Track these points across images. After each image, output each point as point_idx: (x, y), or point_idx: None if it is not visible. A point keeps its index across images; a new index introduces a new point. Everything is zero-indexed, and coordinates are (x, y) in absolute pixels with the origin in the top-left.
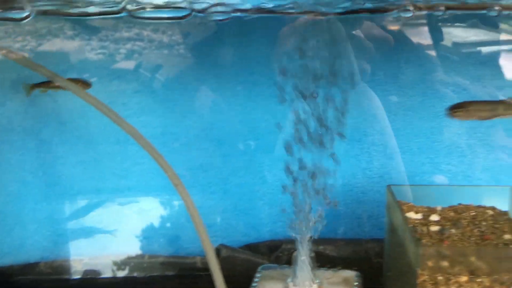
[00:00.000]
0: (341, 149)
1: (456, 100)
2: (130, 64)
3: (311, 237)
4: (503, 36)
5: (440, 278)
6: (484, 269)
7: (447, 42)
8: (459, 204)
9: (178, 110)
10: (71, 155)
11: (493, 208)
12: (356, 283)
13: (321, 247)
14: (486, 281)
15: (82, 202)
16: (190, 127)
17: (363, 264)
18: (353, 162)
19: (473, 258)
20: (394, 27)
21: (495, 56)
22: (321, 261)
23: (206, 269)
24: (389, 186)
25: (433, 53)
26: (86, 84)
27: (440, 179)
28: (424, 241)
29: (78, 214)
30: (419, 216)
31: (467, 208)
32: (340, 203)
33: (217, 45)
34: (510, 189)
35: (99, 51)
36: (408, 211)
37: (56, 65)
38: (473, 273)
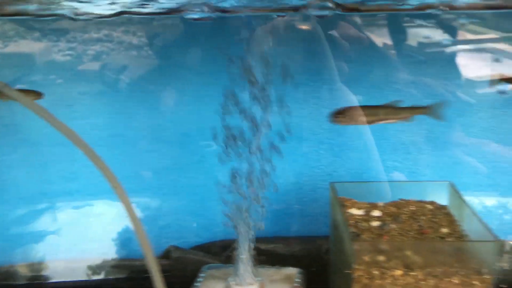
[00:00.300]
0: (289, 147)
1: (396, 98)
2: (74, 66)
3: (253, 235)
4: (443, 36)
5: (375, 272)
6: (419, 263)
7: (387, 42)
8: (400, 199)
9: (127, 112)
10: (15, 158)
11: (432, 203)
12: (297, 280)
13: (272, 246)
14: (419, 274)
15: (29, 207)
16: (139, 128)
17: (314, 261)
18: (302, 161)
19: (409, 252)
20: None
21: (435, 55)
22: (273, 259)
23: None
24: (332, 183)
25: (376, 52)
26: (37, 94)
27: (385, 175)
28: (364, 236)
29: (25, 218)
30: (361, 212)
31: (408, 203)
32: (291, 201)
33: (165, 46)
34: (448, 184)
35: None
36: (351, 207)
37: None
38: (408, 267)
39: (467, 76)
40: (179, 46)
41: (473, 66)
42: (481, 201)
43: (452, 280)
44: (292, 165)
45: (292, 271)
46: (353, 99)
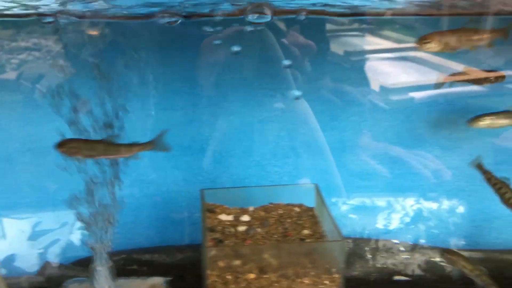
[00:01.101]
0: (171, 155)
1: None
2: None
3: (109, 247)
4: (368, 44)
5: (229, 277)
6: (274, 265)
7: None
8: (270, 203)
9: None
10: None
11: (300, 206)
12: None
13: (155, 256)
14: (272, 276)
15: None
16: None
17: (194, 268)
18: (185, 168)
19: (266, 255)
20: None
21: (360, 63)
22: (154, 269)
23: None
24: (202, 190)
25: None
26: None
27: (267, 180)
28: (227, 241)
29: None
30: (230, 217)
31: (277, 206)
32: (175, 209)
33: None
34: (315, 187)
35: None
36: (221, 213)
37: None
38: (262, 270)
39: (386, 83)
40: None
41: (393, 74)
42: (371, 202)
43: (303, 281)
44: (174, 172)
45: (158, 280)
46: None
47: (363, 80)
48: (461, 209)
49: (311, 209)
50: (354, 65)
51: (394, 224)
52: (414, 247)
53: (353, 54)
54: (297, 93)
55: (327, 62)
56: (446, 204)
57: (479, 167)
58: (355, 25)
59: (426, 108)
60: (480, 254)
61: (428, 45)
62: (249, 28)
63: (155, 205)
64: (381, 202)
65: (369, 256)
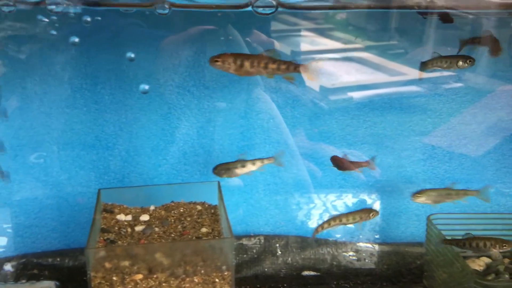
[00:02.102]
0: (74, 155)
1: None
2: None
3: None
4: (319, 43)
5: (115, 278)
6: (165, 265)
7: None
8: (172, 201)
9: None
10: None
11: (203, 204)
12: None
13: (58, 259)
14: (161, 276)
15: None
16: None
17: None
18: (89, 168)
19: (158, 255)
20: None
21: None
22: (57, 273)
23: None
24: (100, 189)
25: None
26: None
27: (177, 178)
28: (120, 242)
29: None
30: (129, 217)
31: (179, 205)
32: (82, 211)
33: None
34: (217, 184)
35: None
36: (119, 213)
37: None
38: (151, 270)
39: (327, 83)
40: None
41: (336, 74)
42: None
43: (193, 279)
44: (79, 173)
45: (48, 284)
46: None
47: (306, 80)
48: (376, 205)
49: (214, 207)
50: None
51: (313, 220)
52: (325, 242)
53: (299, 54)
54: (146, 87)
55: None
56: (363, 200)
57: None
58: (306, 25)
59: (363, 108)
60: (389, 247)
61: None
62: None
63: (59, 207)
64: (302, 199)
65: (279, 252)
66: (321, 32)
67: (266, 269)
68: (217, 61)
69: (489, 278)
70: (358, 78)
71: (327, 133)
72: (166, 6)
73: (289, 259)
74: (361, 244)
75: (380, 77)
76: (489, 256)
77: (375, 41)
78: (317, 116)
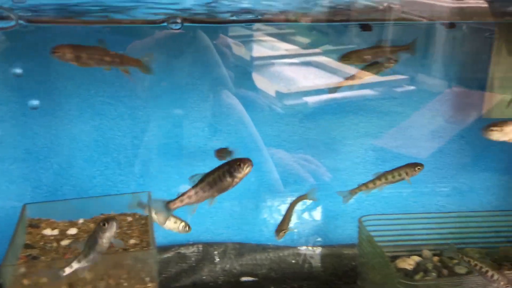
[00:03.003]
0: (4, 170)
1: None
2: None
3: None
4: (273, 48)
5: None
6: (86, 279)
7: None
8: (101, 214)
9: None
10: None
11: (134, 215)
12: None
13: None
14: None
15: None
16: None
17: None
18: (20, 182)
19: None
20: None
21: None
22: None
23: None
24: (24, 204)
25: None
26: None
27: (113, 190)
28: (44, 257)
29: None
30: (55, 232)
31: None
32: (8, 227)
33: None
34: (148, 194)
35: None
36: (46, 228)
37: None
38: (72, 285)
39: (285, 88)
40: None
41: (293, 79)
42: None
43: None
44: (10, 187)
45: None
46: None
47: (263, 85)
48: (316, 208)
49: (145, 217)
50: (258, 70)
51: (256, 225)
52: (265, 247)
53: (258, 59)
54: (35, 102)
55: (232, 67)
56: (306, 204)
57: None
58: (269, 31)
59: (318, 112)
60: (328, 250)
61: None
62: None
63: None
64: (247, 205)
65: (217, 259)
66: (283, 37)
67: (204, 277)
68: (55, 52)
69: (417, 277)
70: (315, 83)
71: (277, 137)
72: None
73: (227, 265)
74: (302, 248)
75: (337, 81)
76: (419, 255)
77: (335, 45)
78: (271, 121)
